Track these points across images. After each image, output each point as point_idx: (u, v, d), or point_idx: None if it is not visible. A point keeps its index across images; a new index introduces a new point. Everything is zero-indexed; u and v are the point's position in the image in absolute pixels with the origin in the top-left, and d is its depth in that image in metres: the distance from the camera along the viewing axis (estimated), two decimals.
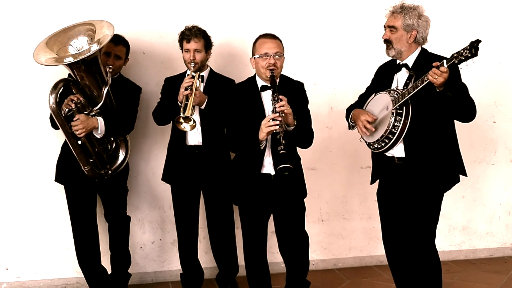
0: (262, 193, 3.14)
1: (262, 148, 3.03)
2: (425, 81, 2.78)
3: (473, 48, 2.63)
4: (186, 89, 3.33)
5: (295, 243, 3.27)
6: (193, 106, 3.32)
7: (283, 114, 2.90)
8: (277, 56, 3.05)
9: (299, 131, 3.06)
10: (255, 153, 3.06)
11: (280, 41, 3.15)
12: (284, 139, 2.85)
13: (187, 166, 3.56)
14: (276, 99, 2.93)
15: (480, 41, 2.63)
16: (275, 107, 2.91)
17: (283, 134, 2.87)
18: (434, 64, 2.74)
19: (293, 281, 3.38)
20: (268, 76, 3.03)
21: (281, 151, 2.82)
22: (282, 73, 3.18)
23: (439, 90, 2.77)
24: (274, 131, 2.88)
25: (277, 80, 3.09)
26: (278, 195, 3.15)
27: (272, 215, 3.26)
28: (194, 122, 3.28)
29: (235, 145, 3.19)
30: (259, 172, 3.11)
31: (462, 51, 2.66)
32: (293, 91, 3.14)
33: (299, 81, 3.25)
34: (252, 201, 3.17)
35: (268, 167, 3.12)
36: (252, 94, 3.12)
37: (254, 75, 3.21)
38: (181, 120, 3.29)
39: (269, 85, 3.05)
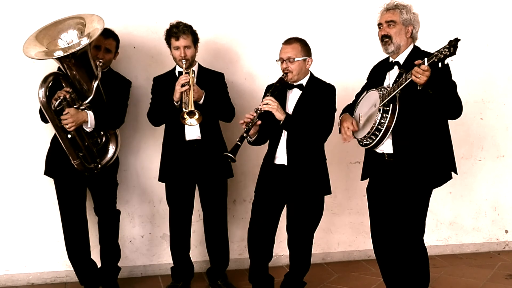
0: (275, 183, 3.28)
1: (252, 140, 3.26)
2: (408, 79, 2.81)
3: (451, 47, 2.63)
4: (183, 85, 3.31)
5: (300, 241, 3.38)
6: (194, 102, 3.32)
7: (259, 112, 3.15)
8: (291, 60, 3.22)
9: (292, 124, 3.19)
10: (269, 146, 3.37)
11: (301, 43, 3.28)
12: (246, 133, 3.14)
13: (185, 162, 3.55)
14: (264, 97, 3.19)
15: (459, 39, 2.63)
16: (260, 105, 3.17)
17: (248, 129, 3.14)
18: (416, 62, 2.77)
19: (291, 279, 3.47)
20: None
21: (237, 142, 3.12)
22: (316, 75, 3.37)
23: (420, 88, 2.80)
24: (245, 124, 3.15)
25: (303, 82, 3.30)
26: (294, 187, 3.26)
27: (286, 208, 3.39)
28: (200, 115, 3.26)
29: None
30: (272, 163, 3.29)
31: (442, 50, 2.67)
32: (319, 92, 3.30)
33: (330, 84, 3.36)
34: (265, 189, 3.33)
35: (281, 158, 3.27)
36: (282, 92, 3.30)
37: None
38: (185, 116, 3.27)
39: (292, 85, 3.30)
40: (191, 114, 3.27)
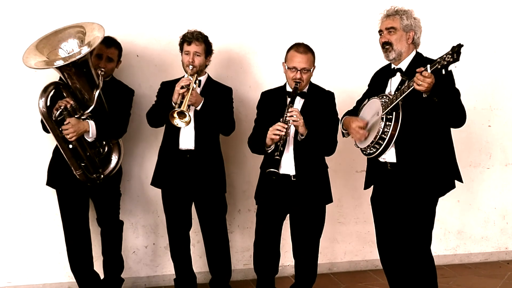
0: (278, 193, 3.24)
1: (269, 152, 3.16)
2: (411, 86, 2.77)
3: (454, 53, 2.60)
4: (182, 87, 3.28)
5: (306, 251, 3.34)
6: (189, 106, 3.29)
7: (290, 124, 3.09)
8: (305, 71, 3.17)
9: (312, 139, 3.15)
10: (267, 155, 3.23)
11: (312, 53, 3.26)
12: (283, 147, 3.08)
13: (178, 171, 3.50)
14: (288, 109, 3.11)
15: (462, 45, 2.60)
16: (286, 116, 3.09)
17: (283, 142, 3.09)
18: (417, 70, 2.73)
19: None
20: (292, 87, 3.23)
21: (276, 157, 3.04)
22: (313, 82, 3.35)
23: (425, 95, 2.76)
24: (279, 137, 3.06)
25: (305, 90, 3.28)
26: (298, 197, 3.22)
27: (289, 217, 3.35)
28: (189, 117, 3.22)
29: (251, 146, 3.37)
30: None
31: (445, 56, 2.64)
32: (321, 100, 3.29)
33: (329, 91, 3.35)
34: (269, 200, 3.28)
35: (286, 168, 3.21)
36: (280, 99, 3.29)
37: (286, 83, 3.36)
38: (175, 115, 3.22)
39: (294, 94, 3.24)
40: (181, 115, 3.22)
